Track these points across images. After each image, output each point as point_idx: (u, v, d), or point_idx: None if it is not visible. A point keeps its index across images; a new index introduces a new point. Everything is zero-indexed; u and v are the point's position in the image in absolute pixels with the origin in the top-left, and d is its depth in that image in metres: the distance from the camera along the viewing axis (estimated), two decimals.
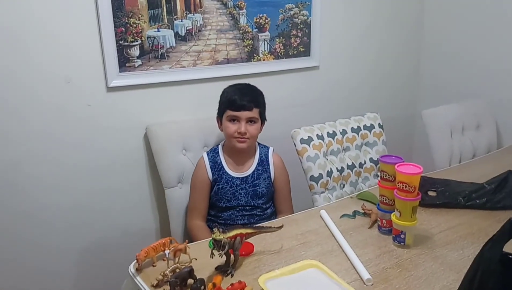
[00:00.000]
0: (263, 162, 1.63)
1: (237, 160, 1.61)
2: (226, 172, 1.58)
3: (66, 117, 1.60)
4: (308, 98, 2.20)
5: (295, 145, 1.71)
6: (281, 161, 1.68)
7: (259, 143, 1.67)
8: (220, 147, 1.64)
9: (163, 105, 1.78)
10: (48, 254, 1.67)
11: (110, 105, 1.67)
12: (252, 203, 1.58)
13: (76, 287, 1.76)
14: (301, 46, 2.09)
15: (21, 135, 1.53)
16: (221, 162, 1.60)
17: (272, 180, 1.63)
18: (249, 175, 1.59)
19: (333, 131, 1.79)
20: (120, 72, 1.64)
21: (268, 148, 1.67)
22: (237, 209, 1.58)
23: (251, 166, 1.61)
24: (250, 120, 1.54)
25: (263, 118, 1.61)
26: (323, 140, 1.74)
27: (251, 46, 1.94)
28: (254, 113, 1.54)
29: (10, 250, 1.60)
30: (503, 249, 0.75)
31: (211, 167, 1.59)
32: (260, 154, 1.63)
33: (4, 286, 1.61)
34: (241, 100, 1.52)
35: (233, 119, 1.54)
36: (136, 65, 1.68)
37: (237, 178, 1.58)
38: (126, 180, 1.76)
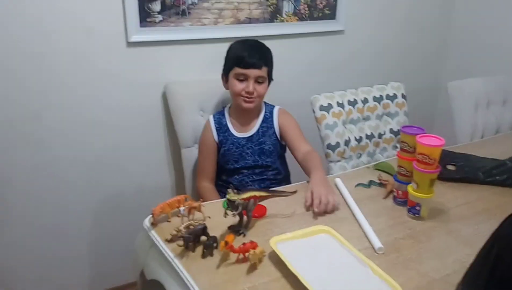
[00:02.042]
0: (268, 120, 1.59)
1: (242, 120, 1.58)
2: (231, 133, 1.57)
3: (86, 70, 1.59)
4: (331, 64, 2.14)
5: (313, 112, 1.68)
6: (285, 111, 1.62)
7: (265, 103, 1.62)
8: (226, 108, 1.62)
9: (183, 64, 1.76)
10: (64, 209, 1.71)
11: (130, 60, 1.65)
12: (260, 162, 1.56)
13: (92, 241, 1.81)
14: (326, 8, 2.02)
15: (40, 86, 1.54)
16: (226, 123, 1.58)
17: (279, 134, 1.58)
18: (254, 133, 1.57)
19: (354, 99, 1.75)
20: (140, 27, 1.62)
21: (273, 106, 1.63)
22: (247, 171, 1.57)
23: (256, 125, 1.58)
24: (258, 79, 1.49)
25: (270, 77, 1.55)
26: (343, 108, 1.71)
27: (274, 5, 1.88)
28: (263, 72, 1.49)
29: (25, 205, 1.64)
30: None
31: (216, 129, 1.58)
32: (265, 112, 1.60)
33: (17, 241, 1.67)
34: (251, 57, 1.46)
35: (241, 78, 1.48)
36: (156, 21, 1.65)
37: (242, 138, 1.56)
38: (143, 137, 1.78)
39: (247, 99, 1.49)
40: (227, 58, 1.54)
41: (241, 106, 1.51)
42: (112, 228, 1.83)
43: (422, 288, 0.91)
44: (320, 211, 1.19)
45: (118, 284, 1.91)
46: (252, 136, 1.57)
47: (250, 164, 1.56)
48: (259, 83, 1.49)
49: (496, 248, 0.73)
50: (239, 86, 1.48)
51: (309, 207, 1.22)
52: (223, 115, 1.61)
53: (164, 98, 1.74)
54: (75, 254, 1.79)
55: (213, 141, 1.58)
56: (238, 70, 1.48)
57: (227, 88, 1.56)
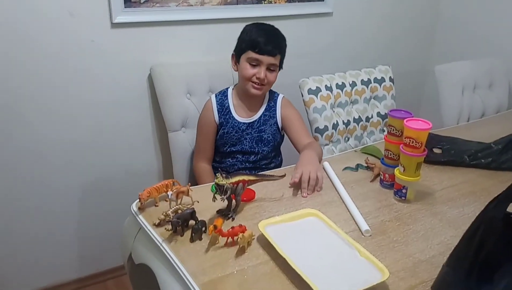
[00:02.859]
0: (271, 108, 1.57)
1: (246, 105, 1.55)
2: (232, 116, 1.54)
3: (70, 52, 1.55)
4: (319, 47, 2.13)
5: (302, 95, 1.68)
6: (289, 102, 1.61)
7: (270, 90, 1.60)
8: (230, 90, 1.57)
9: (169, 46, 1.73)
10: (51, 191, 1.69)
11: (114, 42, 1.62)
12: (257, 150, 1.56)
13: (79, 224, 1.80)
14: None
15: (23, 67, 1.50)
16: (228, 105, 1.55)
17: (280, 125, 1.57)
18: (256, 120, 1.55)
19: (343, 82, 1.75)
20: (125, 7, 1.58)
21: (278, 94, 1.61)
22: (241, 157, 1.57)
23: (259, 111, 1.55)
24: (271, 67, 1.45)
25: (281, 66, 1.52)
26: (331, 92, 1.71)
27: None
28: (276, 59, 1.45)
29: (13, 187, 1.62)
30: (507, 209, 0.75)
31: (218, 110, 1.54)
32: (269, 100, 1.57)
33: (7, 222, 1.65)
34: (266, 44, 1.42)
35: (254, 63, 1.45)
36: (141, 1, 1.60)
37: (243, 123, 1.54)
38: (130, 120, 1.75)
39: (256, 86, 1.46)
40: (241, 40, 1.49)
41: (249, 92, 1.48)
42: (100, 211, 1.82)
43: (408, 270, 0.92)
44: (310, 188, 1.21)
45: (107, 267, 1.92)
46: (253, 122, 1.55)
47: (246, 150, 1.55)
48: (271, 71, 1.46)
49: (481, 230, 0.74)
50: (250, 71, 1.44)
51: (294, 184, 1.23)
52: (226, 96, 1.56)
53: (150, 80, 1.71)
54: (63, 237, 1.78)
55: (213, 122, 1.55)
56: (252, 54, 1.43)
57: (235, 70, 1.52)
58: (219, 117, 1.54)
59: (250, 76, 1.45)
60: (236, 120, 1.54)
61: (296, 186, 1.24)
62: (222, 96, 1.57)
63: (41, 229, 1.72)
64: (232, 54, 1.52)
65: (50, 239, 1.75)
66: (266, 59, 1.43)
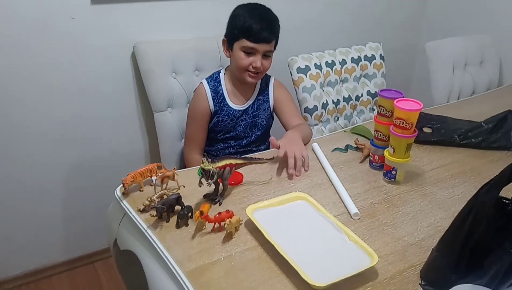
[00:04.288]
0: (264, 92, 1.52)
1: (239, 91, 1.49)
2: (227, 103, 1.47)
3: (48, 31, 1.48)
4: (306, 22, 2.06)
5: (291, 74, 1.64)
6: (280, 83, 1.55)
7: None
8: (221, 75, 1.49)
9: (152, 22, 1.66)
10: (35, 170, 1.65)
11: (95, 19, 1.55)
12: (250, 134, 1.52)
13: (64, 207, 1.77)
14: None
15: (5, 43, 1.43)
16: (222, 92, 1.47)
17: (272, 107, 1.53)
18: (250, 106, 1.50)
19: (332, 60, 1.71)
20: None
21: (269, 76, 1.54)
22: (234, 142, 1.53)
23: (252, 96, 1.50)
24: (266, 53, 1.38)
25: (274, 48, 1.44)
26: (320, 70, 1.67)
27: None
28: (271, 45, 1.38)
29: None
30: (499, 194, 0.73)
31: (212, 98, 1.47)
32: (261, 83, 1.52)
33: None
34: (261, 30, 1.33)
35: (249, 51, 1.36)
36: None
37: (238, 110, 1.49)
38: (114, 100, 1.70)
39: (252, 74, 1.39)
40: (233, 26, 1.38)
41: (245, 81, 1.42)
42: (84, 195, 1.78)
43: (397, 253, 0.92)
44: (298, 169, 1.19)
45: (96, 248, 1.90)
46: (247, 108, 1.50)
47: (240, 136, 1.52)
48: (267, 57, 1.39)
49: (472, 216, 0.73)
50: (246, 60, 1.37)
51: (280, 159, 1.22)
52: (219, 83, 1.48)
53: (134, 59, 1.65)
54: (49, 218, 1.76)
55: (208, 110, 1.48)
56: (246, 43, 1.35)
57: (228, 56, 1.44)
58: (214, 104, 1.47)
59: (246, 66, 1.38)
60: (231, 107, 1.48)
61: (284, 169, 1.22)
62: (215, 82, 1.49)
63: (25, 211, 1.69)
64: (223, 40, 1.44)
65: (35, 221, 1.72)
66: (262, 47, 1.36)
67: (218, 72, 1.51)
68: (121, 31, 1.61)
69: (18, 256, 1.75)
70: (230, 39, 1.40)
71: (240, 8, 1.40)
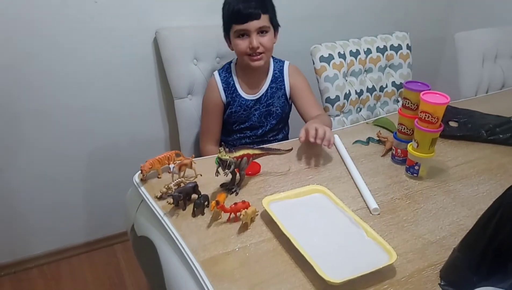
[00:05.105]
0: (277, 79, 1.49)
1: (251, 79, 1.47)
2: (239, 94, 1.46)
3: (70, 16, 1.49)
4: (332, 10, 2.01)
5: (313, 63, 1.60)
6: (297, 69, 1.52)
7: (273, 58, 1.51)
8: (232, 65, 1.49)
9: (175, 8, 1.65)
10: (58, 157, 1.68)
11: (118, 4, 1.54)
12: (265, 123, 1.51)
13: (85, 191, 1.80)
14: None
15: (28, 29, 1.45)
16: (234, 83, 1.46)
17: (288, 94, 1.50)
18: (263, 94, 1.48)
19: (357, 49, 1.66)
20: None
21: (283, 62, 1.51)
22: (249, 132, 1.52)
23: (264, 85, 1.48)
24: (261, 31, 1.35)
25: (275, 25, 1.41)
26: (344, 59, 1.63)
27: None
28: (264, 20, 1.34)
29: (20, 153, 1.61)
30: None
31: (224, 89, 1.46)
32: (274, 70, 1.49)
33: (16, 188, 1.66)
34: (246, 8, 1.31)
35: (242, 34, 1.35)
36: None
37: (251, 100, 1.47)
38: (135, 87, 1.70)
39: (254, 57, 1.37)
40: (224, 17, 1.39)
41: (250, 65, 1.39)
42: (104, 181, 1.81)
43: (416, 251, 0.89)
44: (318, 138, 1.15)
45: (115, 231, 1.93)
46: (260, 97, 1.48)
47: (255, 125, 1.50)
48: (263, 34, 1.36)
49: (498, 216, 0.70)
50: (242, 44, 1.35)
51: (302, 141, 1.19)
52: (230, 73, 1.48)
53: (156, 45, 1.65)
54: (71, 202, 1.80)
55: (220, 101, 1.48)
56: (236, 27, 1.34)
57: (232, 50, 1.43)
58: (226, 96, 1.47)
59: (244, 50, 1.36)
60: (243, 98, 1.47)
61: (304, 160, 1.20)
62: (225, 73, 1.48)
63: (47, 194, 1.73)
64: (224, 35, 1.43)
65: (56, 204, 1.76)
66: (252, 25, 1.33)
67: (230, 63, 1.50)
68: (143, 16, 1.60)
69: (40, 237, 1.80)
70: (226, 31, 1.41)
71: None
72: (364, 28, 1.93)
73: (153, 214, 0.99)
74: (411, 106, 1.14)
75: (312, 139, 1.16)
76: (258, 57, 1.37)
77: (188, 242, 0.89)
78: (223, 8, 1.39)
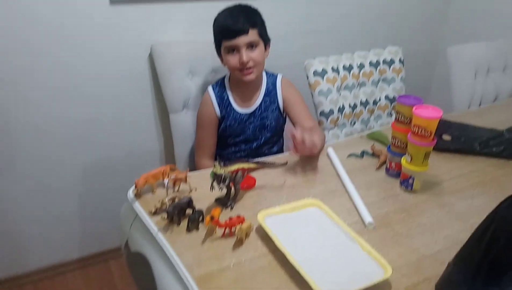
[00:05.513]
0: (271, 92, 1.50)
1: (244, 93, 1.49)
2: (233, 108, 1.48)
3: (66, 32, 1.50)
4: (324, 25, 2.04)
5: (307, 77, 1.62)
6: (289, 82, 1.53)
7: (266, 72, 1.53)
8: (226, 80, 1.51)
9: (170, 23, 1.67)
10: (52, 169, 1.68)
11: (113, 19, 1.56)
12: (260, 137, 1.52)
13: (80, 206, 1.79)
14: None
15: (24, 44, 1.46)
16: (228, 97, 1.48)
17: (282, 107, 1.51)
18: (257, 108, 1.49)
19: (350, 64, 1.68)
20: None
21: (276, 75, 1.53)
22: (244, 145, 1.52)
23: (258, 98, 1.49)
24: (251, 45, 1.36)
25: (265, 39, 1.42)
26: (338, 74, 1.64)
27: None
28: (252, 35, 1.35)
29: (13, 165, 1.61)
30: None
31: (218, 104, 1.48)
32: (267, 84, 1.50)
33: (8, 201, 1.64)
34: (234, 24, 1.33)
35: (232, 49, 1.36)
36: None
37: (245, 114, 1.48)
38: (131, 100, 1.71)
39: (245, 72, 1.38)
40: (214, 34, 1.41)
41: (242, 80, 1.40)
42: (102, 190, 1.80)
43: (411, 265, 0.89)
44: (304, 149, 1.16)
45: (110, 246, 1.92)
46: (254, 111, 1.49)
47: (250, 138, 1.51)
48: (253, 48, 1.37)
49: (492, 229, 0.70)
50: (232, 60, 1.37)
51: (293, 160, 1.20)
52: (224, 88, 1.49)
53: (151, 59, 1.66)
54: (65, 215, 1.78)
55: (215, 116, 1.49)
56: (226, 42, 1.36)
57: (225, 65, 1.45)
58: (220, 110, 1.48)
59: (235, 65, 1.37)
60: (238, 112, 1.48)
61: (299, 173, 1.20)
62: (219, 88, 1.50)
63: (42, 208, 1.72)
64: (216, 51, 1.45)
65: (51, 218, 1.75)
66: (241, 40, 1.34)
67: (223, 78, 1.52)
68: (138, 31, 1.62)
69: (34, 253, 1.78)
70: (217, 47, 1.42)
71: (218, 15, 1.40)
72: (357, 41, 1.95)
73: (147, 230, 0.99)
74: (404, 120, 1.15)
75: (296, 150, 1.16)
76: (249, 71, 1.39)
77: (182, 258, 0.88)
78: (213, 25, 1.41)
